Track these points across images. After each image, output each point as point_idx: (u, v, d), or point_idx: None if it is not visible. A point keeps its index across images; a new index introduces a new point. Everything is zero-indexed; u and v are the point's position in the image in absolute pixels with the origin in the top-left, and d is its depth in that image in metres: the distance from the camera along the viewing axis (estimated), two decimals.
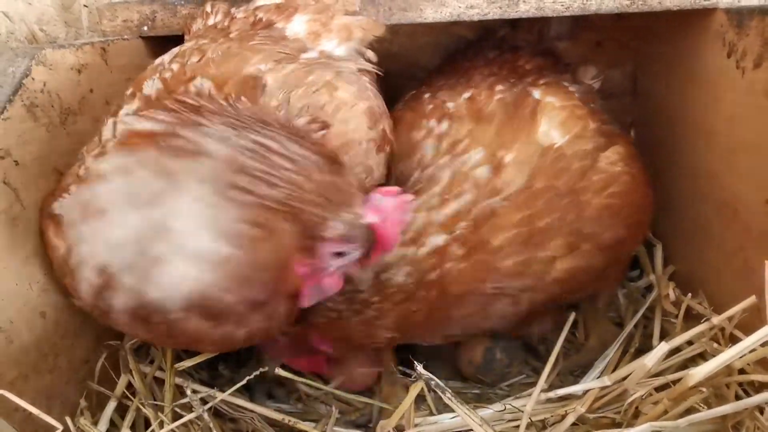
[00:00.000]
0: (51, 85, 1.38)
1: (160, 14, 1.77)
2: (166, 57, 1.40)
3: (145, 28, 1.78)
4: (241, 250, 0.98)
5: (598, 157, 1.47)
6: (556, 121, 1.48)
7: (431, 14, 1.67)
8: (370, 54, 1.61)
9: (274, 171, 0.99)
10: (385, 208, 1.11)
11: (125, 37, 1.77)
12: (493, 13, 1.65)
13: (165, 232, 0.96)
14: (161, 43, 1.84)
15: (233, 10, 1.63)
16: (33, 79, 1.33)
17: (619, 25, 2.05)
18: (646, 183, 1.58)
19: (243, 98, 1.19)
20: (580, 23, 1.99)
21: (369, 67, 1.55)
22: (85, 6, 2.10)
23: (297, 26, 1.51)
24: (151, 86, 1.29)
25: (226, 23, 1.56)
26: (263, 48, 1.36)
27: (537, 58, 1.83)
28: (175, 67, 1.32)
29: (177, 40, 1.80)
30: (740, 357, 1.15)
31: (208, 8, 1.66)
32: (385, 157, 1.43)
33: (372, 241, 1.10)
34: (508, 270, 1.37)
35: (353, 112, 1.32)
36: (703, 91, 1.68)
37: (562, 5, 1.64)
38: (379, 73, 1.58)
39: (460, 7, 1.65)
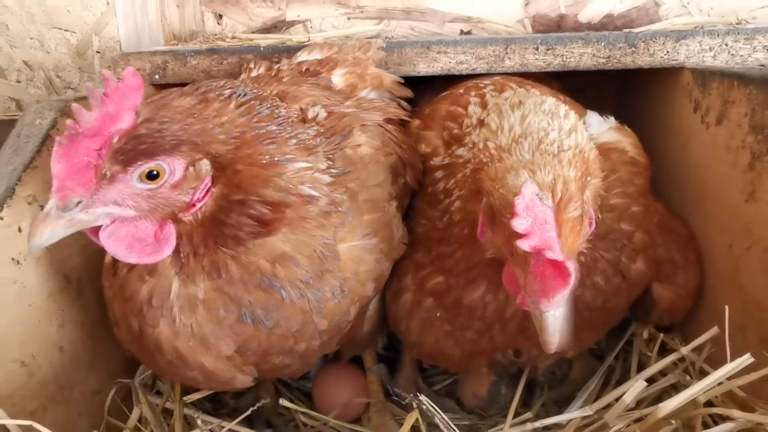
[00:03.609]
0: None
1: (171, 64, 1.89)
2: None
3: (157, 76, 1.90)
4: None
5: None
6: (630, 140, 1.55)
7: (424, 68, 1.81)
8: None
9: None
10: None
11: None
12: (481, 68, 1.80)
13: None
14: None
15: (275, 65, 1.76)
16: (58, 129, 1.44)
17: (601, 76, 2.19)
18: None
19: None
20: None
21: (396, 113, 1.66)
22: (97, 52, 2.24)
23: (337, 78, 1.67)
24: None
25: (273, 73, 1.69)
26: (312, 93, 1.50)
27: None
28: None
29: None
30: (705, 391, 1.26)
31: (252, 64, 1.79)
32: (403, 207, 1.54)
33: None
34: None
35: (377, 167, 1.42)
36: (674, 141, 1.82)
37: (544, 62, 1.78)
38: (407, 119, 1.69)
39: (450, 62, 1.80)
